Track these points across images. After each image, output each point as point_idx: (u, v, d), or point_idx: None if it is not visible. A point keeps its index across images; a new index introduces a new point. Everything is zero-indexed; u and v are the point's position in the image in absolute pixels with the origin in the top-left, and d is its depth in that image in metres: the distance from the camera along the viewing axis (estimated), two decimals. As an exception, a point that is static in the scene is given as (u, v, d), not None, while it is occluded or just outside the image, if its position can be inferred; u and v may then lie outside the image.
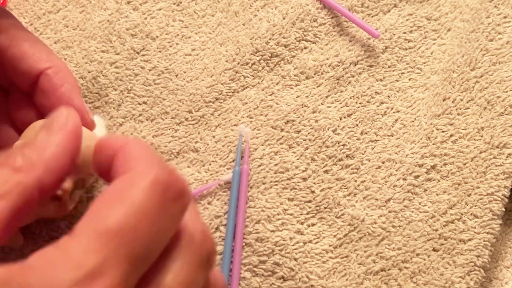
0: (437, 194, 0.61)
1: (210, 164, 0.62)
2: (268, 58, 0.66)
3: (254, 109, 0.64)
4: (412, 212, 0.60)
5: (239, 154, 0.61)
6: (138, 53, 0.67)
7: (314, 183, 0.61)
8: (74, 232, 0.34)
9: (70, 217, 0.60)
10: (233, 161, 0.62)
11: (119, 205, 0.35)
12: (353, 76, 0.66)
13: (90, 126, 0.56)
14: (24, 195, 0.36)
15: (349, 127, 0.64)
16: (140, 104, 0.65)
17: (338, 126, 0.64)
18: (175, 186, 0.36)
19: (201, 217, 0.41)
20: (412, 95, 0.66)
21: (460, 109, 0.63)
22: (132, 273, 0.34)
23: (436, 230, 0.60)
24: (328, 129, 0.63)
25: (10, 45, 0.55)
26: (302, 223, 0.60)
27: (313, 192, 0.61)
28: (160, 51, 0.67)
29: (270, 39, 0.67)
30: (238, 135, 0.63)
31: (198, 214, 0.40)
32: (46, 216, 0.55)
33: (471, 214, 0.60)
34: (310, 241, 0.59)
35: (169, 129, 0.64)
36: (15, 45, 0.55)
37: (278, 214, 0.60)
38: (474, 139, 0.62)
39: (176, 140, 0.64)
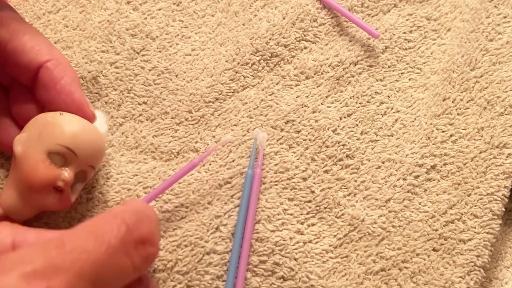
0: (437, 194, 0.61)
1: (210, 164, 0.62)
2: (268, 58, 0.66)
3: (254, 109, 0.64)
4: (412, 212, 0.60)
5: (253, 157, 0.61)
6: (138, 53, 0.67)
7: (314, 183, 0.61)
8: (38, 243, 0.40)
9: (70, 218, 0.59)
10: (233, 161, 0.62)
11: (82, 233, 0.41)
12: (353, 76, 0.66)
13: (91, 118, 0.56)
14: None
15: (349, 127, 0.64)
16: (140, 104, 0.65)
17: (338, 126, 0.64)
18: (140, 233, 0.42)
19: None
20: (412, 95, 0.66)
21: (460, 109, 0.63)
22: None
23: (436, 230, 0.60)
24: (328, 129, 0.63)
25: (10, 39, 0.55)
26: (302, 223, 0.60)
27: (313, 192, 0.61)
28: (160, 51, 0.67)
29: (270, 39, 0.67)
30: (238, 135, 0.63)
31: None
32: (48, 209, 0.55)
33: (471, 214, 0.60)
34: (310, 241, 0.59)
35: (169, 129, 0.64)
36: (16, 38, 0.55)
37: (278, 214, 0.60)
38: (474, 139, 0.62)
39: (176, 140, 0.64)
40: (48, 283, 0.37)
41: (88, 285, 0.38)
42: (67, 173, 0.53)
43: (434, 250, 0.59)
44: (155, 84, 0.66)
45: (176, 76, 0.66)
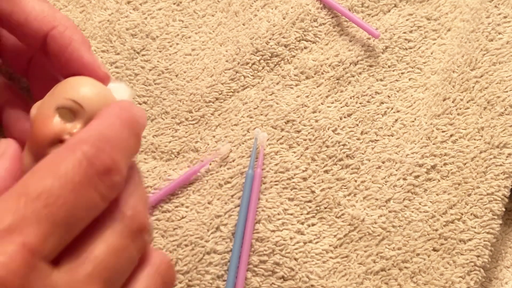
0: (437, 194, 0.61)
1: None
2: (268, 58, 0.66)
3: (254, 109, 0.64)
4: (412, 212, 0.60)
5: (253, 157, 0.61)
6: (138, 53, 0.67)
7: (314, 183, 0.61)
8: (1, 196, 0.38)
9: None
10: (233, 161, 0.62)
11: (44, 174, 0.38)
12: (353, 76, 0.66)
13: (103, 79, 0.54)
14: None
15: (349, 127, 0.64)
16: (140, 104, 0.65)
17: (338, 126, 0.64)
18: (102, 164, 0.40)
19: (140, 195, 0.44)
20: (412, 95, 0.66)
21: (460, 109, 0.63)
22: (52, 236, 0.37)
23: (436, 230, 0.60)
24: (328, 129, 0.63)
25: (12, 10, 0.54)
26: (302, 223, 0.60)
27: (313, 192, 0.61)
28: (160, 51, 0.67)
29: (270, 39, 0.67)
30: (238, 135, 0.63)
31: (136, 192, 0.44)
32: None
33: (471, 214, 0.60)
34: (310, 241, 0.59)
35: (169, 129, 0.64)
36: (17, 10, 0.54)
37: (278, 214, 0.60)
38: (474, 139, 0.62)
39: (176, 140, 0.64)
40: (23, 238, 0.36)
41: (62, 228, 0.38)
42: (73, 127, 0.53)
43: (434, 250, 0.59)
44: (155, 84, 0.66)
45: (176, 76, 0.66)
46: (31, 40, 0.54)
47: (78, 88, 0.52)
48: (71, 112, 0.52)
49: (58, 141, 0.52)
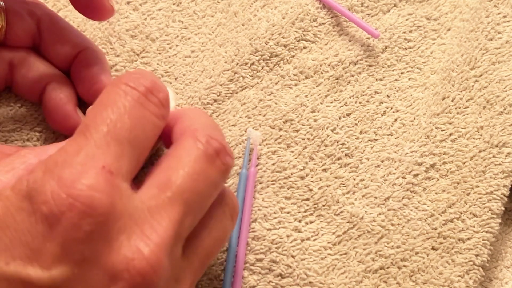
0: (436, 193, 0.61)
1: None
2: (268, 58, 0.66)
3: (253, 109, 0.64)
4: (411, 210, 0.60)
5: (247, 156, 0.61)
6: (138, 55, 0.67)
7: (312, 181, 0.61)
8: (67, 139, 0.43)
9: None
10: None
11: (98, 108, 0.43)
12: (352, 76, 0.66)
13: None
14: None
15: (348, 127, 0.64)
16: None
17: (337, 125, 0.63)
18: (144, 86, 0.45)
19: (216, 131, 0.49)
20: (411, 95, 0.66)
21: (460, 108, 0.63)
22: (124, 156, 0.42)
23: (435, 228, 0.59)
24: (327, 129, 0.63)
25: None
26: (299, 221, 0.60)
27: (311, 190, 0.61)
28: (159, 53, 0.67)
29: (269, 39, 0.67)
30: (236, 136, 0.63)
31: (212, 127, 0.49)
32: None
33: (470, 213, 0.60)
34: (308, 238, 0.59)
35: (168, 130, 0.64)
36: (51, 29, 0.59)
37: (274, 213, 0.60)
38: (474, 138, 0.62)
39: (175, 140, 0.64)
40: (101, 162, 0.41)
41: (130, 148, 0.43)
42: None
43: (433, 248, 0.59)
44: (154, 85, 0.66)
45: (176, 79, 0.66)
46: (62, 58, 0.60)
47: None
48: None
49: None
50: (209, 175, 0.45)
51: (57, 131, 0.61)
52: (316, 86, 0.65)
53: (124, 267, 0.40)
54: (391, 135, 0.63)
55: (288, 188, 0.61)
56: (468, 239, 0.59)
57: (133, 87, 0.44)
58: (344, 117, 0.64)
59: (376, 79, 0.66)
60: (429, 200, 0.60)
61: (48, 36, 0.59)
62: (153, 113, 0.45)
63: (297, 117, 0.63)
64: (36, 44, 0.60)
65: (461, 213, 0.60)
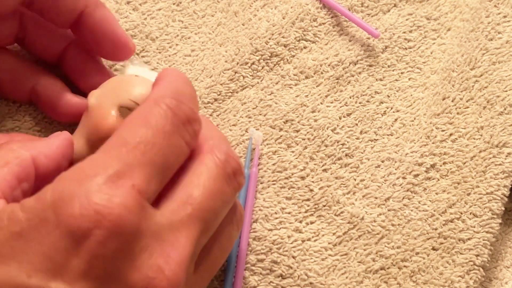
0: (436, 193, 0.61)
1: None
2: (268, 57, 0.66)
3: (253, 109, 0.64)
4: (412, 210, 0.60)
5: (249, 157, 0.61)
6: (137, 54, 0.67)
7: (312, 181, 0.61)
8: (100, 149, 0.43)
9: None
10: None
11: (137, 126, 0.44)
12: (352, 76, 0.66)
13: (133, 50, 0.60)
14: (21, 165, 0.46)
15: (349, 127, 0.64)
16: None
17: (338, 125, 0.63)
18: (184, 114, 0.45)
19: (228, 145, 0.49)
20: (411, 95, 0.66)
21: (460, 108, 0.63)
22: (153, 179, 0.42)
23: (436, 229, 0.60)
24: (327, 129, 0.63)
25: None
26: (300, 221, 0.60)
27: (311, 190, 0.61)
28: (159, 52, 0.67)
29: (269, 38, 0.66)
30: (236, 135, 0.63)
31: (223, 139, 0.50)
32: None
33: (470, 213, 0.60)
34: (308, 239, 0.59)
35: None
36: None
37: (275, 213, 0.60)
38: (474, 138, 0.62)
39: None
40: (132, 181, 0.41)
41: (159, 172, 0.43)
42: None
43: (433, 249, 0.59)
44: (154, 84, 0.66)
45: (176, 77, 0.66)
46: (64, 19, 0.58)
47: (143, 92, 0.57)
48: (130, 110, 0.56)
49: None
50: (226, 193, 0.46)
51: (54, 130, 0.61)
52: (316, 86, 0.65)
53: (145, 286, 0.41)
54: (391, 135, 0.64)
55: (288, 188, 0.61)
56: (469, 239, 0.59)
57: (174, 112, 0.45)
58: (344, 117, 0.64)
59: (376, 79, 0.66)
60: (430, 200, 0.60)
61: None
62: (187, 143, 0.45)
63: (297, 117, 0.63)
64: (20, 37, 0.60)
65: (462, 213, 0.60)
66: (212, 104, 0.64)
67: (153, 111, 0.44)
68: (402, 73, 0.67)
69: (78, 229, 0.39)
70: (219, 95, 0.65)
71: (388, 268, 0.59)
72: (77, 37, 0.60)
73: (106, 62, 0.63)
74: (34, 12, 0.58)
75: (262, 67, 0.66)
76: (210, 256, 0.47)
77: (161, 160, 0.43)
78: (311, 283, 0.57)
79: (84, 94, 0.59)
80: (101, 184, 0.40)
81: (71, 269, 0.39)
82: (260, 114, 0.64)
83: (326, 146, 0.62)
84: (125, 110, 0.56)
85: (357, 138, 0.63)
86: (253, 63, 0.66)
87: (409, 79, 0.66)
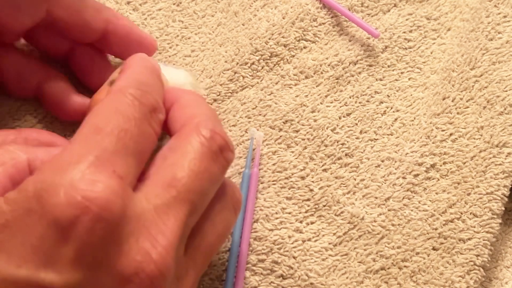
0: (436, 193, 0.61)
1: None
2: (268, 57, 0.66)
3: (253, 109, 0.64)
4: (412, 210, 0.60)
5: (250, 157, 0.61)
6: (137, 54, 0.67)
7: (312, 181, 0.61)
8: (73, 138, 0.43)
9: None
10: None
11: (109, 114, 0.44)
12: (352, 76, 0.66)
13: (155, 46, 0.62)
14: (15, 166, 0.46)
15: (348, 126, 0.64)
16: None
17: (337, 125, 0.63)
18: (150, 104, 0.46)
19: (215, 121, 0.49)
20: (411, 95, 0.66)
21: (460, 108, 0.63)
22: (130, 164, 0.43)
23: (436, 229, 0.60)
24: (327, 128, 0.63)
25: (70, 16, 0.58)
26: (301, 222, 0.60)
27: (311, 190, 0.61)
28: (159, 53, 0.67)
29: (269, 38, 0.66)
30: (236, 136, 0.63)
31: (212, 118, 0.49)
32: None
33: (470, 213, 0.60)
34: (309, 239, 0.59)
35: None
36: (75, 15, 0.58)
37: (276, 213, 0.60)
38: (474, 138, 0.62)
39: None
40: (112, 167, 0.41)
41: (135, 158, 0.43)
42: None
43: (433, 249, 0.59)
44: (154, 84, 0.66)
45: (176, 78, 0.66)
46: (87, 38, 0.59)
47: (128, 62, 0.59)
48: None
49: None
50: (213, 172, 0.46)
51: (57, 131, 0.61)
52: (316, 86, 0.65)
53: (133, 271, 0.41)
54: (391, 135, 0.64)
55: (289, 188, 0.61)
56: (469, 239, 0.59)
57: (141, 101, 0.46)
58: (344, 117, 0.64)
59: (376, 79, 0.66)
60: (430, 200, 0.60)
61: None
62: (154, 131, 0.46)
63: (297, 117, 0.63)
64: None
65: (462, 213, 0.60)
66: (211, 104, 0.64)
67: (121, 100, 0.45)
68: (402, 73, 0.67)
69: (65, 218, 0.39)
70: (218, 95, 0.65)
71: (388, 268, 0.59)
72: (102, 48, 0.61)
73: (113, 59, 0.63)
74: (54, 29, 0.59)
75: (262, 67, 0.66)
76: (201, 238, 0.47)
77: (135, 146, 0.43)
78: (311, 283, 0.57)
79: (90, 91, 0.59)
80: (83, 171, 0.40)
81: (60, 258, 0.39)
82: (260, 114, 0.64)
83: (326, 146, 0.62)
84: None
85: (357, 138, 0.63)
86: (253, 63, 0.66)
87: (409, 79, 0.66)
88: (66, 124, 0.61)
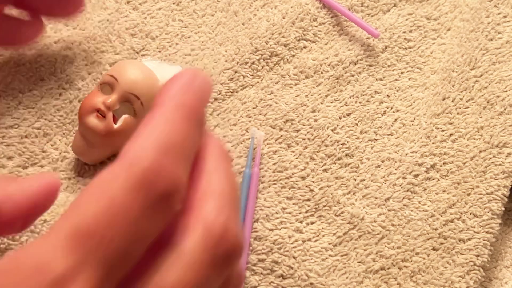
0: (436, 193, 0.61)
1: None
2: (268, 57, 0.66)
3: (253, 108, 0.64)
4: (412, 211, 0.60)
5: (251, 156, 0.61)
6: (137, 53, 0.67)
7: (312, 181, 0.61)
8: (48, 231, 0.31)
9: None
10: (231, 160, 0.62)
11: (94, 202, 0.31)
12: (352, 76, 0.66)
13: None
14: None
15: (349, 126, 0.64)
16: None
17: (338, 125, 0.63)
18: (163, 187, 0.31)
19: (232, 206, 0.35)
20: (411, 95, 0.66)
21: (460, 108, 0.63)
22: (109, 274, 0.31)
23: (436, 229, 0.60)
24: (327, 128, 0.63)
25: None
26: (301, 222, 0.60)
27: (311, 190, 0.61)
28: (159, 51, 0.67)
29: (269, 38, 0.67)
30: (236, 135, 0.63)
31: (230, 202, 0.35)
32: (90, 129, 0.59)
33: (470, 214, 0.60)
34: (309, 239, 0.59)
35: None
36: None
37: (276, 213, 0.60)
38: (474, 138, 0.62)
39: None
40: (82, 284, 0.30)
41: (117, 268, 0.31)
42: (109, 99, 0.59)
43: (433, 249, 0.59)
44: (154, 83, 0.66)
45: (176, 76, 0.66)
46: None
47: (117, 65, 0.61)
48: (110, 86, 0.59)
49: (95, 109, 0.59)
50: (211, 282, 0.33)
51: (55, 129, 0.61)
52: (316, 86, 0.65)
53: None
54: (391, 135, 0.64)
55: (289, 188, 0.61)
56: (469, 239, 0.59)
57: (150, 187, 0.31)
58: (344, 117, 0.64)
59: (376, 79, 0.66)
60: (430, 201, 0.60)
61: None
62: (158, 223, 0.32)
63: (297, 117, 0.63)
64: None
65: (462, 214, 0.60)
66: (212, 103, 0.65)
67: (121, 182, 0.31)
68: (402, 73, 0.67)
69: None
70: (219, 94, 0.65)
71: (388, 268, 0.59)
72: (24, 8, 0.60)
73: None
74: None
75: (262, 67, 0.66)
76: None
77: (120, 252, 0.31)
78: (311, 283, 0.57)
79: None
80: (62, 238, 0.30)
81: None
82: (260, 114, 0.64)
83: (326, 146, 0.62)
84: (106, 86, 0.60)
85: (357, 138, 0.63)
86: (253, 63, 0.66)
87: (409, 79, 0.66)
88: (66, 122, 0.61)
